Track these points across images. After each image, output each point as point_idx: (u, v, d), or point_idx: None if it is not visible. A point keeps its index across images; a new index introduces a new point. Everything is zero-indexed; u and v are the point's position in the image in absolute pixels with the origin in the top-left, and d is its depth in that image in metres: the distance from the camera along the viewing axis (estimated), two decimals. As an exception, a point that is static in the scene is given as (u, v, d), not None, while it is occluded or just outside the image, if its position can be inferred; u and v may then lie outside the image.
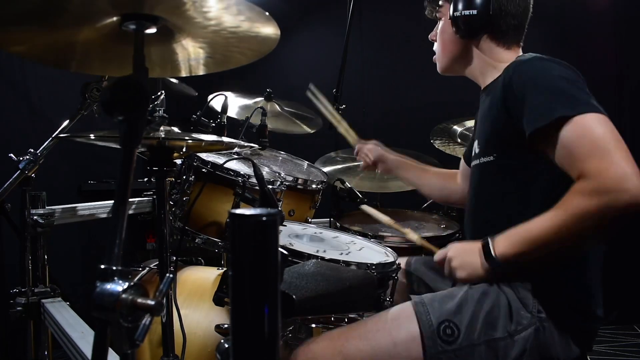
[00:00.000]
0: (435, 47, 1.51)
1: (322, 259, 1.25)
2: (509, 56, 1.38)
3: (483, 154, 1.33)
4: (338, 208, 2.12)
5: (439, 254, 1.28)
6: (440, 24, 1.47)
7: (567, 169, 1.10)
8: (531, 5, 1.40)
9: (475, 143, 1.39)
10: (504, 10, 1.35)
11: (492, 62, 1.39)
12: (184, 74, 1.04)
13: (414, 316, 1.18)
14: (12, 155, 1.74)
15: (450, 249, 1.25)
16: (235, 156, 1.63)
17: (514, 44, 1.40)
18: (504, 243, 1.14)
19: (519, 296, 1.20)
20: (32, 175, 1.75)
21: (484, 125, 1.36)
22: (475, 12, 1.34)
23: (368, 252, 1.46)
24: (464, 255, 1.21)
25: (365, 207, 1.76)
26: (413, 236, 1.53)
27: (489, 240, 1.16)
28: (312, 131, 2.41)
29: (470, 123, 2.53)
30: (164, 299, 0.66)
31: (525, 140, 1.16)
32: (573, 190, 1.06)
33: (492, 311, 1.18)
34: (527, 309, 1.18)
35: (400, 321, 1.18)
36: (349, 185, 2.12)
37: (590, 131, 1.06)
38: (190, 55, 0.97)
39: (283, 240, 1.40)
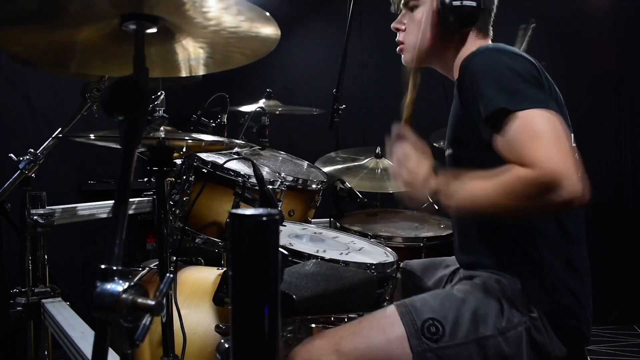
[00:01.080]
0: (405, 36, 1.43)
1: (322, 259, 1.25)
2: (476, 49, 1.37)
3: (447, 146, 1.38)
4: (338, 208, 2.12)
5: (404, 132, 1.26)
6: (416, 12, 1.40)
7: (510, 158, 1.09)
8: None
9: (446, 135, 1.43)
10: (487, 7, 1.35)
11: (465, 55, 1.35)
12: (184, 73, 1.04)
13: (399, 317, 1.18)
14: (12, 155, 1.74)
15: (403, 154, 1.22)
16: (235, 156, 1.64)
17: (487, 37, 1.39)
18: (450, 195, 1.15)
19: (509, 295, 1.20)
20: (32, 175, 1.75)
21: (450, 117, 1.38)
22: (475, 3, 1.31)
23: (368, 252, 1.46)
24: (412, 174, 1.20)
25: None
26: None
27: (438, 185, 1.16)
28: (316, 112, 2.40)
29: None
30: (164, 299, 0.66)
31: (479, 133, 1.18)
32: (513, 172, 1.06)
33: (480, 309, 1.18)
34: (518, 308, 1.19)
35: (392, 319, 1.19)
36: (349, 185, 2.12)
37: (531, 125, 1.07)
38: (191, 55, 0.97)
39: (283, 240, 1.41)
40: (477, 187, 1.12)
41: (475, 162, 1.22)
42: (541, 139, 1.04)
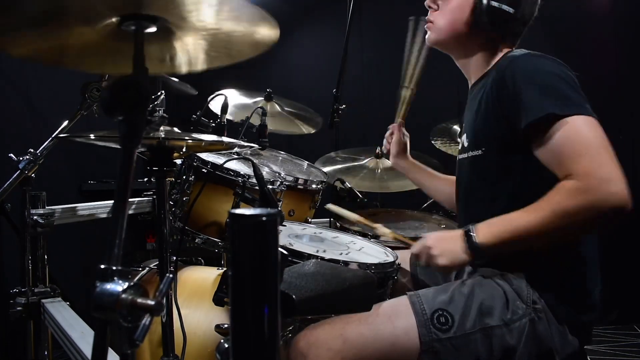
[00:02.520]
0: (435, 16, 1.41)
1: (322, 259, 1.25)
2: (502, 53, 1.37)
3: (472, 148, 1.34)
4: (338, 208, 2.12)
5: (416, 246, 1.27)
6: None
7: (554, 167, 1.11)
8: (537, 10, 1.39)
9: (464, 137, 1.40)
10: (523, 17, 1.34)
11: (488, 59, 1.38)
12: (184, 70, 1.03)
13: (409, 307, 1.20)
14: (12, 155, 1.74)
15: (428, 238, 1.24)
16: (235, 156, 1.63)
17: (513, 45, 1.40)
18: (485, 232, 1.15)
19: (514, 287, 1.22)
20: (32, 175, 1.75)
21: (473, 119, 1.36)
22: (512, 10, 1.30)
23: (368, 252, 1.46)
24: (444, 243, 1.20)
25: (330, 206, 1.71)
26: (384, 230, 1.50)
27: (471, 227, 1.17)
28: (313, 131, 2.40)
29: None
30: (164, 299, 0.66)
31: (516, 137, 1.17)
32: (559, 187, 1.06)
33: (486, 300, 1.20)
34: (522, 300, 1.20)
35: (399, 309, 1.21)
36: (349, 185, 2.12)
37: (580, 133, 1.07)
38: (190, 51, 0.97)
39: (283, 240, 1.40)
40: (517, 215, 1.11)
41: (506, 164, 1.23)
42: (589, 148, 1.05)
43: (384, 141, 1.87)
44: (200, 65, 1.02)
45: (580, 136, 1.07)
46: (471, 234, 1.15)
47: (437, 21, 1.40)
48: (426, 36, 1.45)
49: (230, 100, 1.93)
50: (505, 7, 1.30)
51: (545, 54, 1.24)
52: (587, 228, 1.12)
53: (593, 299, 1.23)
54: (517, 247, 1.14)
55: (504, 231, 1.13)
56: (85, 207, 2.05)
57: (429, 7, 1.43)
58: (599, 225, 1.10)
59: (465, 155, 1.38)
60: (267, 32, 0.90)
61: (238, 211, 0.54)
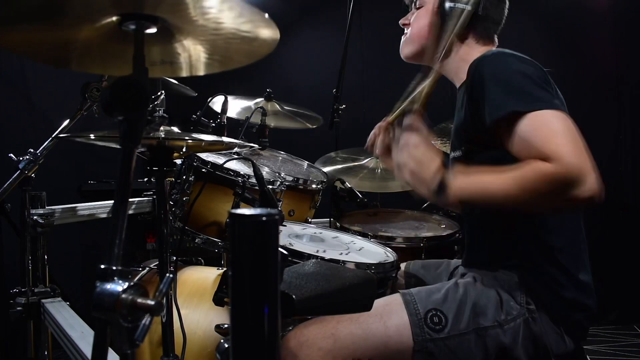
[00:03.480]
0: (408, 33, 1.48)
1: (322, 259, 1.25)
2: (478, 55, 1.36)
3: (454, 149, 1.37)
4: (338, 208, 2.12)
5: (417, 123, 1.17)
6: (419, 12, 1.45)
7: (526, 156, 1.07)
8: (506, 10, 1.43)
9: (452, 139, 1.43)
10: (489, 16, 1.37)
11: (467, 60, 1.36)
12: (184, 74, 1.04)
13: (402, 305, 1.20)
14: (12, 155, 1.74)
15: (414, 144, 1.14)
16: (235, 156, 1.64)
17: (490, 43, 1.41)
18: (459, 187, 1.09)
19: (507, 288, 1.22)
20: (32, 175, 1.75)
21: (455, 120, 1.39)
22: (469, 8, 1.32)
23: (368, 252, 1.46)
24: (421, 164, 1.12)
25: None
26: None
27: (447, 180, 1.09)
28: (313, 127, 2.40)
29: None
30: (164, 299, 0.66)
31: (487, 135, 1.17)
32: (533, 166, 1.02)
33: (480, 301, 1.20)
34: (516, 300, 1.20)
35: (391, 307, 1.20)
36: (349, 185, 2.12)
37: (547, 124, 1.05)
38: (191, 55, 0.97)
39: (283, 240, 1.41)
40: (491, 179, 1.08)
41: (485, 162, 1.22)
42: (559, 136, 1.03)
43: (368, 138, 1.75)
44: (200, 70, 1.02)
45: (548, 125, 1.05)
46: (445, 184, 1.09)
47: (407, 37, 1.48)
48: (400, 51, 1.51)
49: (230, 102, 1.93)
50: (460, 5, 1.32)
51: (515, 52, 1.23)
52: (553, 210, 1.15)
53: (587, 297, 1.22)
54: (481, 206, 1.15)
55: (475, 193, 1.09)
56: (85, 207, 2.05)
57: (403, 25, 1.50)
58: (566, 211, 1.16)
59: (451, 156, 1.41)
60: (268, 37, 0.90)
61: (238, 211, 0.55)
